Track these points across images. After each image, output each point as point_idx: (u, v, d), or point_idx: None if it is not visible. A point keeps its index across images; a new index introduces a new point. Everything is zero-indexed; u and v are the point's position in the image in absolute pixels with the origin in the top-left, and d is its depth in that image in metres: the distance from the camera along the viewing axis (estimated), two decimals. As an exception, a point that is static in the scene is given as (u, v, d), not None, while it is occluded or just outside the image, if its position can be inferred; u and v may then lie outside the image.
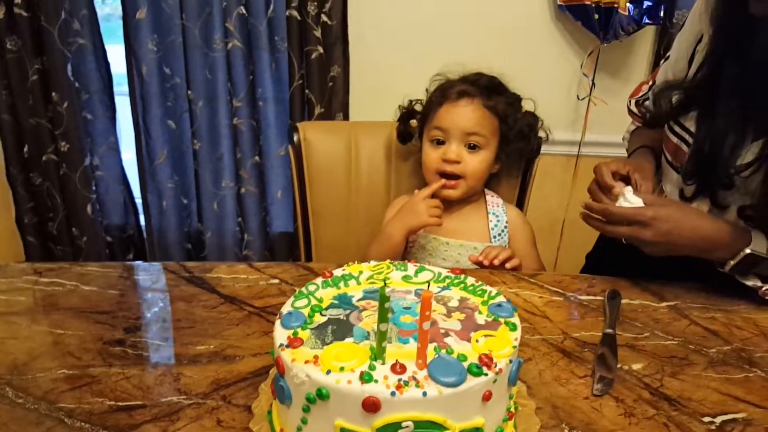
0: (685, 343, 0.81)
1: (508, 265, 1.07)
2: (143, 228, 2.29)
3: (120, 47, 1.99)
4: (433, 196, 1.16)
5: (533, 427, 0.63)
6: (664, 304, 0.92)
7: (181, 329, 0.81)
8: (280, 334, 0.57)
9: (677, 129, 0.99)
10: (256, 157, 2.11)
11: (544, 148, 1.33)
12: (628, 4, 1.80)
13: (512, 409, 0.60)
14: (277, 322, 0.59)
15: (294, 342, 0.55)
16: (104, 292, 0.90)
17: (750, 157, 0.88)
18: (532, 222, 1.29)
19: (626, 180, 0.99)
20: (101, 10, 2.02)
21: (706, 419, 0.66)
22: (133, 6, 1.90)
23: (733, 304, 0.92)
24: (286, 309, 0.61)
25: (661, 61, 1.14)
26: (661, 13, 1.84)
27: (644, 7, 1.81)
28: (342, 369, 0.51)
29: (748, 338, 0.83)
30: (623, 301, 0.92)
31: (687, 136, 0.97)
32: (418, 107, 1.27)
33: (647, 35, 2.04)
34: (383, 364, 0.52)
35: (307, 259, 1.42)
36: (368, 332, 0.57)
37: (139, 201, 2.26)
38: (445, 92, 1.19)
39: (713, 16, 0.92)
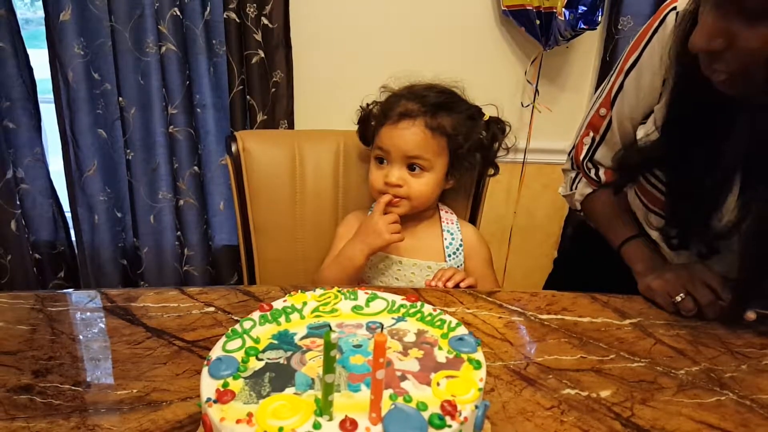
0: (652, 365, 0.77)
1: (463, 285, 1.01)
2: (74, 244, 2.14)
3: (43, 52, 1.84)
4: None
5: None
6: (628, 321, 0.88)
7: (100, 371, 0.71)
8: (208, 386, 0.48)
9: (647, 175, 0.95)
10: (195, 167, 1.99)
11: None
12: (564, 10, 1.78)
13: (477, 457, 0.54)
14: (204, 370, 0.50)
15: (224, 396, 0.46)
16: (12, 328, 0.79)
17: (731, 215, 0.84)
18: (481, 229, 1.24)
19: None
20: (22, 13, 1.86)
21: (683, 452, 0.61)
22: (56, 7, 1.75)
23: (696, 319, 0.89)
24: (215, 353, 0.53)
25: (595, 104, 1.06)
26: (599, 18, 1.81)
27: (579, 11, 1.77)
28: (281, 430, 0.43)
29: (715, 357, 0.79)
30: (585, 319, 0.87)
31: (659, 184, 0.94)
32: (376, 110, 1.17)
33: (591, 41, 2.03)
34: (330, 420, 0.44)
35: (250, 278, 1.33)
36: (313, 379, 0.50)
37: (69, 215, 2.10)
38: (386, 112, 1.10)
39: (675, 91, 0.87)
